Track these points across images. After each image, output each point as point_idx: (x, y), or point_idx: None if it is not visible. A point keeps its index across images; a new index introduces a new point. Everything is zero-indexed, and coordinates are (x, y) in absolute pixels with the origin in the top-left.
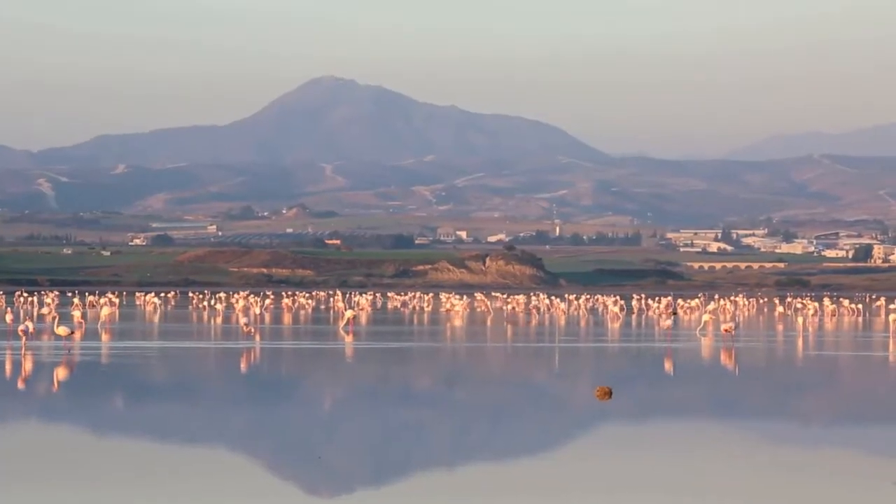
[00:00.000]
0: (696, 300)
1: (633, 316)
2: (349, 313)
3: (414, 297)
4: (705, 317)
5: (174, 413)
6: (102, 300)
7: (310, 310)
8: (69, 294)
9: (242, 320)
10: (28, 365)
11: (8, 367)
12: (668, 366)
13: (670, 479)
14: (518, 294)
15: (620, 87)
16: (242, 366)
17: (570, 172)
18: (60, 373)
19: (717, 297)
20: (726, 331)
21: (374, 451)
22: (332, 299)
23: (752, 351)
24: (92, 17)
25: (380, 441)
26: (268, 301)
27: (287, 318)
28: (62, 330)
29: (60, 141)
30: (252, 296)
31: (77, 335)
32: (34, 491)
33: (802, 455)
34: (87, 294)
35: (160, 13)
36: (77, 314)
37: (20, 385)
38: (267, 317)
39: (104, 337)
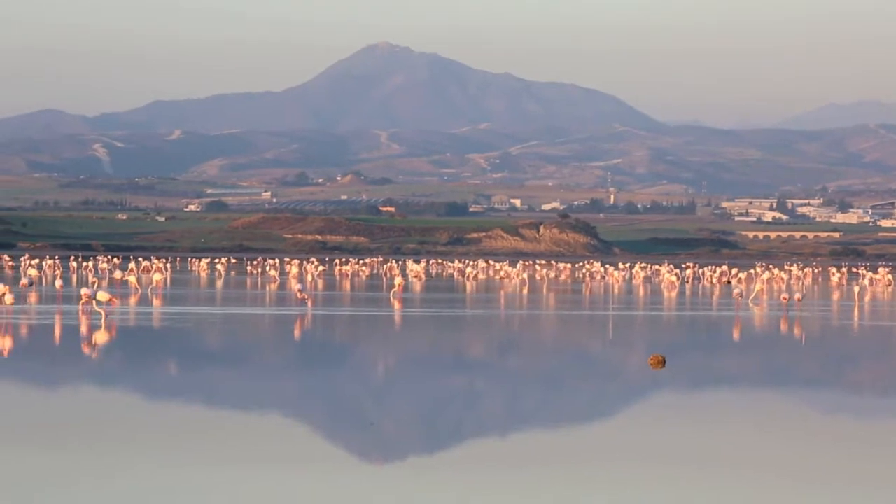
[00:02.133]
0: (759, 269)
1: (688, 285)
2: (398, 280)
3: (467, 264)
4: (758, 286)
5: (225, 378)
6: (155, 265)
7: (364, 277)
8: (116, 260)
9: (296, 287)
10: (84, 328)
11: (57, 331)
12: (734, 334)
13: (721, 449)
14: (569, 262)
15: (676, 55)
16: (295, 332)
17: (624, 141)
18: (110, 338)
19: (770, 266)
20: (786, 300)
21: (427, 418)
22: (385, 266)
23: (808, 321)
24: None
25: (432, 408)
26: (321, 267)
27: (341, 284)
28: (102, 295)
29: (116, 106)
30: (307, 262)
31: (133, 300)
32: (87, 453)
33: (855, 426)
34: (140, 259)
35: None
36: (132, 279)
37: (83, 349)
38: (320, 283)
39: (156, 302)
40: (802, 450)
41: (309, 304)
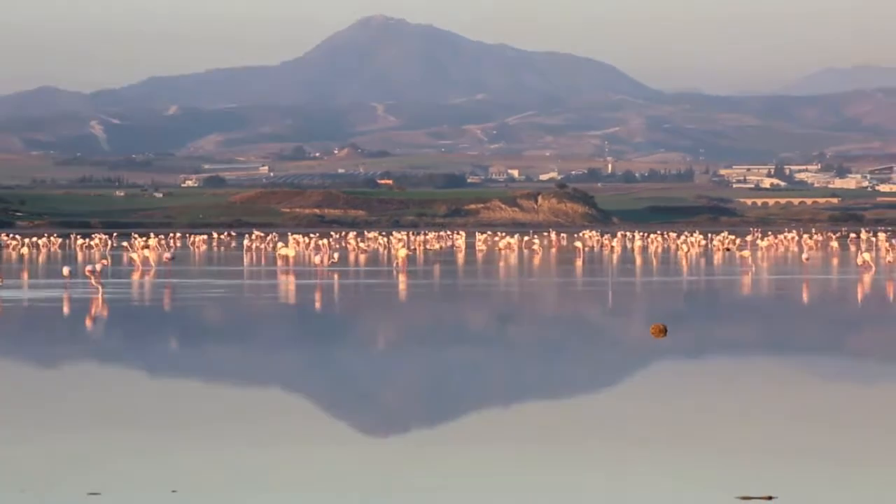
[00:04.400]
0: (768, 238)
1: (688, 252)
2: (402, 252)
3: (461, 235)
4: (746, 252)
5: (222, 353)
6: (150, 242)
7: (365, 250)
8: (109, 237)
9: (315, 259)
10: (83, 306)
11: (66, 307)
12: (735, 301)
13: (723, 418)
14: (567, 231)
15: (672, 22)
16: (307, 304)
17: (621, 109)
18: (108, 315)
19: (769, 233)
20: (807, 260)
21: (427, 390)
22: (386, 239)
23: (809, 286)
24: None
25: (433, 380)
26: (324, 241)
27: (347, 258)
28: (95, 273)
29: (112, 83)
30: (319, 236)
31: (134, 276)
32: (93, 433)
33: (854, 394)
34: (134, 236)
35: None
36: (134, 256)
37: (84, 327)
38: (326, 258)
39: (150, 279)
40: (800, 420)
41: (334, 277)
